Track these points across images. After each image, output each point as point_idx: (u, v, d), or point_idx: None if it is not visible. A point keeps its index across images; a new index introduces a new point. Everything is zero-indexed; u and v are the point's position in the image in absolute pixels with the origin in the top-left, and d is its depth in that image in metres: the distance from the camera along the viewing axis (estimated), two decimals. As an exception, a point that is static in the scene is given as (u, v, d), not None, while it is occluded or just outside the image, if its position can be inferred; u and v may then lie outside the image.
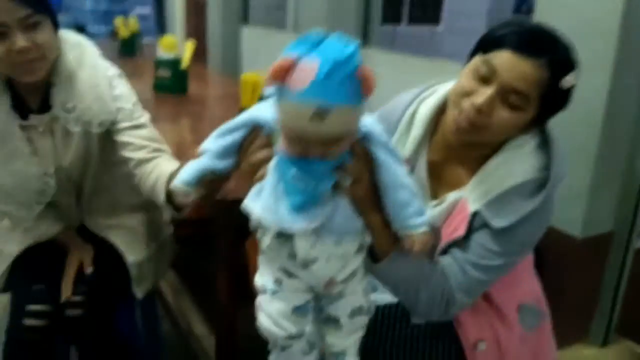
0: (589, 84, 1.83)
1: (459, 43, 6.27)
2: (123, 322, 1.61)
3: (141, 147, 1.37)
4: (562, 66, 0.96)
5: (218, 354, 1.64)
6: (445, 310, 1.05)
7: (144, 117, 1.44)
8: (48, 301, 1.38)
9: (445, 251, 1.08)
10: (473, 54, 1.04)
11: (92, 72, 1.38)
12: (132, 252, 1.50)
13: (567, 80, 0.96)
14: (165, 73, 2.54)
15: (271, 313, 0.97)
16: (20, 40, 1.19)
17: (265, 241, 0.93)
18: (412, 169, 1.15)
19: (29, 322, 1.35)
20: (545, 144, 1.06)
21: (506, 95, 0.96)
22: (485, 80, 0.98)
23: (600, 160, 2.00)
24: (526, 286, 1.24)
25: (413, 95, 1.17)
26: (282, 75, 0.76)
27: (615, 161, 2.06)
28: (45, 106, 1.35)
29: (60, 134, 1.36)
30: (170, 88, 2.54)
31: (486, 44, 1.00)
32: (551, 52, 0.95)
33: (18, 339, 1.36)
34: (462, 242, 1.06)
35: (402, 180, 0.92)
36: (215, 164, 0.94)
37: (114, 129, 1.38)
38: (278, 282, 0.96)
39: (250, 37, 4.82)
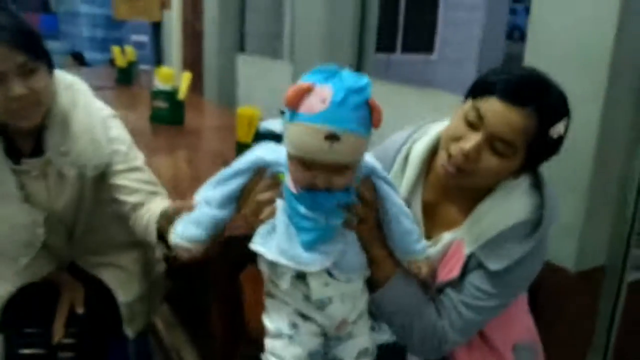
0: (580, 115, 1.83)
1: (452, 71, 6.36)
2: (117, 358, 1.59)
3: (135, 191, 1.35)
4: (551, 115, 0.96)
5: None
6: (438, 347, 1.07)
7: (139, 159, 1.43)
8: (41, 345, 1.36)
9: (440, 291, 1.09)
10: (466, 97, 1.05)
11: (87, 114, 1.36)
12: (124, 291, 1.48)
13: (556, 129, 0.96)
14: (162, 104, 2.56)
15: (286, 358, 0.95)
16: (17, 88, 1.18)
17: (282, 284, 0.93)
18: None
19: None
20: (536, 185, 1.07)
21: (493, 143, 0.97)
22: (473, 126, 0.99)
23: (592, 194, 2.00)
24: (521, 325, 1.25)
25: (406, 136, 1.18)
26: (299, 99, 0.80)
27: (608, 194, 2.07)
28: (38, 150, 1.32)
29: (53, 177, 1.33)
30: (167, 119, 2.55)
31: (477, 90, 1.01)
32: (539, 101, 0.95)
33: None
34: (456, 283, 1.07)
35: (404, 210, 0.97)
36: (218, 215, 0.94)
37: (109, 171, 1.37)
38: (294, 326, 0.95)
39: (246, 65, 4.86)
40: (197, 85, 4.96)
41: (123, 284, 1.50)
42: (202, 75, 5.19)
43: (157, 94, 2.58)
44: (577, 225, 2.05)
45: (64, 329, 1.38)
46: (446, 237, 1.11)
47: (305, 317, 0.96)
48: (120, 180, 1.36)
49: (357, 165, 0.89)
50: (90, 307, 1.43)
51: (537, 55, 2.06)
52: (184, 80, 2.62)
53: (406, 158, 1.17)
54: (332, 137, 0.79)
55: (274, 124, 2.16)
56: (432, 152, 1.14)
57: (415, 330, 1.05)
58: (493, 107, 0.96)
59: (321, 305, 0.94)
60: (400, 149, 1.17)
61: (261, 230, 0.93)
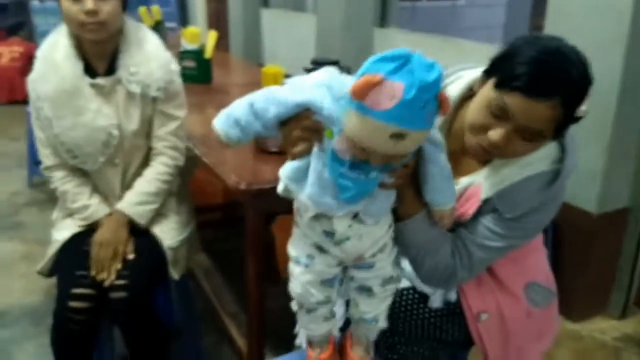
0: (603, 64, 1.84)
1: (481, 17, 6.18)
2: (161, 302, 1.72)
3: (160, 139, 1.61)
4: (576, 100, 0.95)
5: (248, 330, 1.72)
6: (446, 281, 1.12)
7: (182, 111, 1.65)
8: (92, 286, 1.48)
9: (452, 229, 1.12)
10: (487, 74, 1.02)
11: (156, 45, 1.60)
12: (169, 237, 1.63)
13: (582, 109, 0.96)
14: (190, 63, 2.62)
15: (302, 282, 1.05)
16: (89, 3, 1.43)
17: (305, 218, 0.98)
18: None
19: (74, 304, 1.46)
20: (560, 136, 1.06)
21: (522, 133, 0.97)
22: (499, 117, 0.98)
23: (615, 139, 2.03)
24: (533, 264, 1.26)
25: None
26: (366, 91, 0.76)
27: (630, 139, 2.08)
28: (111, 71, 1.56)
29: (122, 96, 1.56)
30: (196, 78, 2.61)
31: (499, 76, 0.98)
32: (563, 90, 0.93)
33: (64, 319, 1.47)
34: (468, 223, 1.10)
35: (445, 170, 0.97)
36: (262, 132, 0.93)
37: (159, 100, 1.60)
38: (310, 257, 1.03)
39: (270, 19, 4.86)
40: (222, 41, 5.00)
41: (167, 231, 1.65)
42: (227, 31, 5.21)
43: (185, 54, 2.63)
44: (600, 169, 2.08)
45: (116, 272, 1.51)
46: (464, 181, 1.14)
47: (322, 249, 1.02)
48: (157, 117, 1.61)
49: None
50: (139, 252, 1.57)
51: (561, 1, 2.05)
52: (210, 39, 2.67)
53: None
54: (398, 136, 0.77)
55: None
56: (462, 100, 1.14)
57: (426, 264, 1.10)
58: (519, 103, 0.94)
59: (338, 242, 0.99)
60: None
61: (295, 164, 0.95)
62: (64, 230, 1.61)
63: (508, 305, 1.20)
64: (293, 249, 1.06)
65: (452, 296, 1.23)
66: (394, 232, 1.08)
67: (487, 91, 1.00)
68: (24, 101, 1.74)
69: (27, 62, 5.46)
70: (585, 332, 2.23)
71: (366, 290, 1.08)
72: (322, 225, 0.98)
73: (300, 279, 1.05)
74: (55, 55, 1.52)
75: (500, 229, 1.08)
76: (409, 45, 3.03)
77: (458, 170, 1.16)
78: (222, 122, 0.93)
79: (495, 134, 0.98)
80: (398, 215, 1.06)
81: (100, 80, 1.55)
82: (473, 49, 2.83)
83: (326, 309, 1.10)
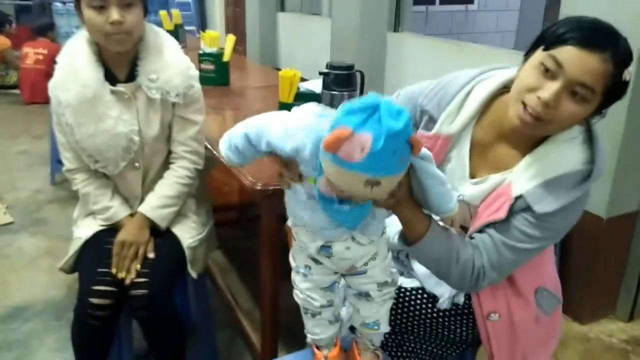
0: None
1: (493, 21, 6.16)
2: (178, 298, 1.78)
3: (180, 144, 1.65)
4: (624, 59, 0.99)
5: (262, 326, 1.76)
6: (475, 284, 1.13)
7: (201, 116, 1.68)
8: (113, 283, 1.52)
9: (482, 229, 1.13)
10: (532, 49, 1.06)
11: (175, 52, 1.63)
12: (187, 237, 1.68)
13: (629, 71, 1.00)
14: (209, 66, 2.69)
15: (302, 289, 1.10)
16: (115, 14, 1.43)
17: (300, 236, 1.05)
18: (453, 146, 1.21)
19: (95, 300, 1.49)
20: (590, 141, 1.10)
21: (573, 89, 0.99)
22: (550, 75, 1.00)
23: (625, 142, 2.05)
24: (546, 270, 1.29)
25: (471, 76, 1.20)
26: (338, 146, 0.78)
27: (640, 144, 2.11)
28: (131, 78, 1.58)
29: (143, 102, 1.58)
30: (214, 80, 2.68)
31: (547, 41, 1.02)
32: (614, 45, 0.97)
33: (85, 314, 1.50)
34: (499, 224, 1.11)
35: (438, 177, 0.98)
36: (258, 155, 1.02)
37: (178, 105, 1.62)
38: (307, 267, 1.08)
39: (286, 23, 4.92)
40: (239, 45, 5.07)
41: (187, 230, 1.70)
42: (244, 35, 5.28)
43: (203, 57, 2.70)
44: (609, 174, 2.10)
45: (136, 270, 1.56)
46: (494, 178, 1.14)
47: (317, 261, 1.07)
48: (176, 122, 1.64)
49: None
50: (159, 250, 1.62)
51: (573, 6, 2.07)
52: (229, 43, 2.73)
53: (466, 97, 1.18)
54: (372, 183, 0.80)
55: (313, 85, 2.27)
56: (494, 96, 1.17)
57: (453, 273, 1.11)
58: (571, 55, 0.97)
59: (328, 255, 1.03)
60: (462, 88, 1.18)
61: (288, 195, 1.02)
62: (85, 228, 1.66)
63: (519, 310, 1.22)
64: (292, 259, 1.12)
65: (460, 299, 1.26)
66: (410, 256, 1.12)
67: (536, 57, 1.03)
68: (47, 102, 1.78)
69: (50, 64, 5.55)
70: (592, 335, 2.25)
71: (364, 295, 1.09)
72: (316, 244, 1.02)
73: (300, 286, 1.10)
74: (75, 62, 1.53)
75: (531, 230, 1.08)
76: (422, 49, 3.05)
77: (485, 162, 1.19)
78: (225, 147, 1.04)
79: (546, 91, 1.00)
80: (408, 240, 1.09)
81: (120, 87, 1.56)
82: (486, 53, 2.85)
83: (330, 312, 1.13)
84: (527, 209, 1.07)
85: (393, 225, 1.13)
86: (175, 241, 1.66)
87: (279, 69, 2.53)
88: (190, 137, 1.66)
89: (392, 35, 3.44)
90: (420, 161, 0.95)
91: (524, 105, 1.03)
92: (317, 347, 1.18)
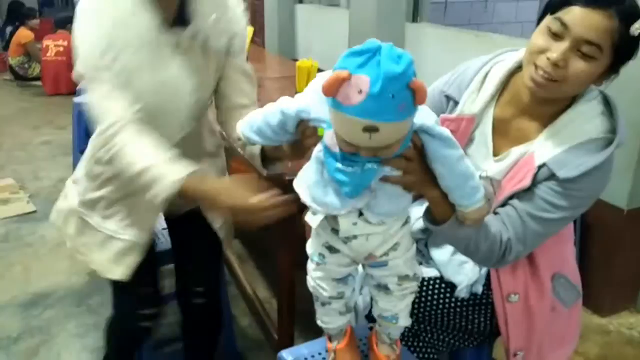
0: (637, 59, 1.83)
1: (512, 11, 6.08)
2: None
3: (244, 94, 1.43)
4: (630, 14, 1.00)
5: (279, 315, 1.78)
6: (502, 258, 1.12)
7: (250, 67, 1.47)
8: (156, 302, 1.48)
9: (505, 202, 1.13)
10: (541, 17, 1.09)
11: None
12: (216, 217, 1.54)
13: (635, 28, 1.00)
14: (227, 57, 2.70)
15: (314, 277, 1.10)
16: None
17: (315, 221, 1.02)
18: (477, 125, 1.22)
19: (142, 324, 1.45)
20: (608, 111, 1.11)
21: (580, 47, 1.01)
22: (557, 36, 1.03)
23: (647, 134, 2.02)
24: (565, 257, 1.28)
25: (486, 60, 1.25)
26: (335, 89, 0.76)
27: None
28: (180, 22, 1.28)
29: (198, 50, 1.31)
30: (232, 71, 2.70)
31: (553, 5, 1.05)
32: (618, 2, 1.00)
33: (132, 333, 1.48)
34: (523, 194, 1.11)
35: (454, 167, 0.92)
36: (272, 137, 1.06)
37: (234, 53, 1.38)
38: (322, 256, 1.07)
39: (304, 14, 4.92)
40: (258, 37, 5.09)
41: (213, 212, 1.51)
42: (263, 27, 5.29)
43: (222, 48, 2.71)
44: (630, 166, 2.08)
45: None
46: (516, 150, 1.15)
47: (332, 249, 1.05)
48: (235, 74, 1.41)
49: (404, 138, 0.85)
50: (203, 253, 1.57)
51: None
52: (247, 34, 2.74)
53: (485, 77, 1.23)
54: (370, 129, 0.77)
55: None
56: (511, 74, 1.20)
57: (481, 249, 1.10)
58: (576, 14, 1.01)
59: (345, 240, 1.01)
60: (479, 70, 1.23)
61: (301, 171, 1.01)
62: (141, 232, 1.39)
63: (535, 294, 1.22)
64: (308, 247, 1.11)
65: (479, 288, 1.26)
66: (439, 235, 1.09)
67: (544, 22, 1.07)
68: (69, 93, 1.75)
69: (71, 55, 5.62)
70: (612, 327, 2.23)
71: (383, 288, 1.08)
72: (330, 224, 1.01)
73: (312, 274, 1.10)
74: (123, 4, 1.22)
75: (555, 199, 1.08)
76: (440, 39, 3.04)
77: (507, 137, 1.20)
78: (243, 127, 1.10)
79: (555, 51, 1.03)
80: (434, 220, 1.07)
81: (179, 31, 1.26)
82: (505, 43, 2.81)
83: (339, 304, 1.12)
84: (551, 177, 1.08)
85: (412, 214, 1.13)
86: (211, 232, 1.54)
87: (296, 60, 2.53)
88: (254, 91, 1.44)
89: (411, 25, 3.42)
90: (433, 142, 0.90)
91: (535, 67, 1.06)
92: (329, 338, 1.19)
